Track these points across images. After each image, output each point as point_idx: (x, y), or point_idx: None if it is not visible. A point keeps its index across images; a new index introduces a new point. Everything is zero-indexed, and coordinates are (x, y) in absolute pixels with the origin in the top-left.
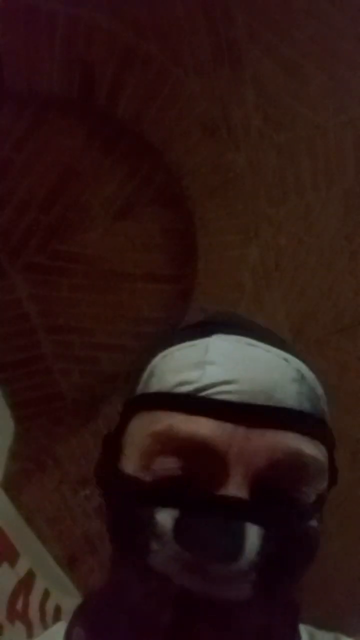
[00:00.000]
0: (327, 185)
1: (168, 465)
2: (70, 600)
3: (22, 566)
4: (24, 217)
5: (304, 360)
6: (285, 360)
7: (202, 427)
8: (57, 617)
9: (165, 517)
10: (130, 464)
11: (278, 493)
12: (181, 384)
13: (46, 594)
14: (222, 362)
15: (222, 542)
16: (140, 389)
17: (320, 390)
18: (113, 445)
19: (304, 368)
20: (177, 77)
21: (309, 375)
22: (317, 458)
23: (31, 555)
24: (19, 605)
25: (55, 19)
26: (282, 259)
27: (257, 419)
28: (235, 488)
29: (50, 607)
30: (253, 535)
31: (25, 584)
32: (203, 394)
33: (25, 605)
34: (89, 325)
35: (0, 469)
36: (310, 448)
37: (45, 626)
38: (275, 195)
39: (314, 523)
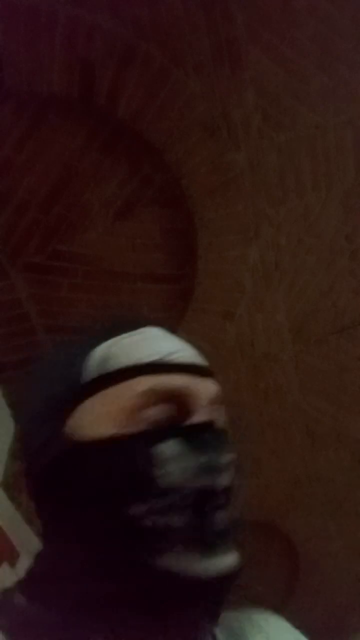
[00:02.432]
0: (327, 185)
1: (158, 411)
2: None
3: (22, 566)
4: (24, 217)
5: None
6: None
7: (178, 379)
8: None
9: (168, 445)
10: (105, 429)
11: (218, 419)
12: (148, 356)
13: None
14: (165, 339)
15: (218, 443)
16: (91, 374)
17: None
18: (53, 433)
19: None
20: (177, 77)
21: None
22: (221, 392)
23: (31, 555)
24: None
25: (55, 19)
26: (282, 259)
27: (202, 372)
28: (204, 416)
29: None
30: (227, 437)
31: None
32: (168, 359)
33: None
34: (89, 325)
35: (0, 469)
36: (221, 389)
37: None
38: (275, 195)
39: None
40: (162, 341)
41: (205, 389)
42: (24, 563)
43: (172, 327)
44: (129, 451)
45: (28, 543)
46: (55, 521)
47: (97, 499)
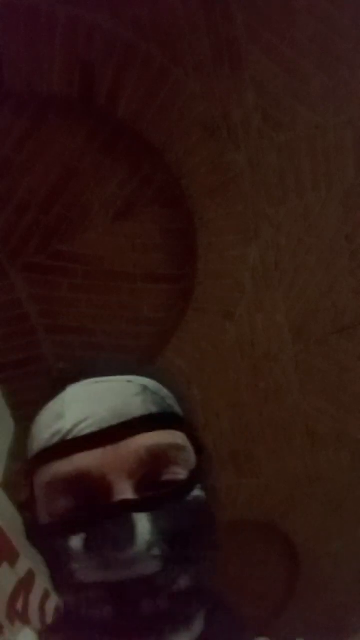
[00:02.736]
0: (327, 185)
1: (65, 503)
2: None
3: (22, 566)
4: (24, 217)
5: (150, 374)
6: (129, 381)
7: (77, 461)
8: None
9: (75, 541)
10: (42, 516)
11: (155, 482)
12: (52, 436)
13: (46, 594)
14: (75, 406)
15: (116, 536)
16: (30, 453)
17: (165, 392)
18: (30, 508)
19: (147, 381)
20: (177, 77)
21: (153, 384)
22: (172, 443)
23: (31, 556)
24: (19, 605)
25: (55, 19)
26: (282, 259)
27: (115, 436)
28: (121, 493)
29: (50, 607)
30: (142, 521)
31: (25, 584)
32: (70, 436)
33: (25, 605)
34: (89, 325)
35: (0, 469)
36: (164, 437)
37: (45, 626)
38: (275, 195)
39: (197, 492)
40: (72, 408)
41: (118, 458)
42: (24, 563)
43: (172, 327)
44: (44, 545)
45: (28, 543)
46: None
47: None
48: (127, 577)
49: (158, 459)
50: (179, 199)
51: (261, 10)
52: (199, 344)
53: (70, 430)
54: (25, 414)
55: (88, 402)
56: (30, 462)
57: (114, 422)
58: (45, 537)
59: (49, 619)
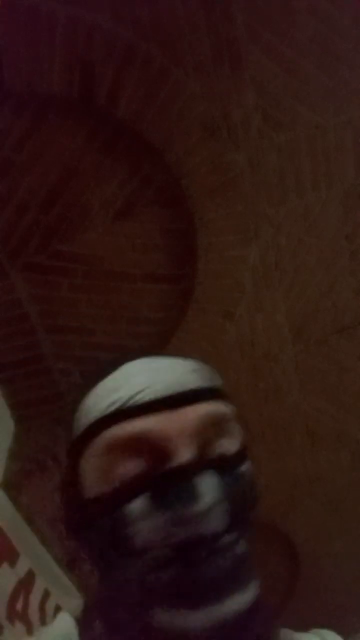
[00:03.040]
0: (327, 185)
1: (127, 465)
2: (70, 600)
3: (22, 566)
4: (24, 217)
5: (196, 360)
6: (184, 360)
7: (140, 424)
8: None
9: (141, 502)
10: (94, 489)
11: (211, 450)
12: (112, 404)
13: (46, 594)
14: (133, 379)
15: (184, 493)
16: (81, 427)
17: (212, 373)
18: (73, 485)
19: (197, 364)
20: (177, 77)
21: (203, 366)
22: (224, 412)
23: (31, 555)
24: (19, 605)
25: (55, 19)
26: (282, 259)
27: (174, 404)
28: (182, 457)
29: (50, 607)
30: (205, 481)
31: (25, 584)
32: (131, 402)
33: (25, 605)
34: (89, 325)
35: (0, 469)
36: (218, 408)
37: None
38: (275, 195)
39: (245, 467)
40: (132, 379)
41: (180, 423)
42: (24, 563)
43: (172, 327)
44: (102, 514)
45: (28, 543)
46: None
47: (97, 555)
48: (193, 534)
49: (213, 427)
50: (179, 199)
51: (261, 10)
52: (199, 344)
53: (129, 399)
54: (25, 414)
55: (146, 375)
56: (80, 436)
57: (172, 392)
58: (105, 505)
59: (49, 619)
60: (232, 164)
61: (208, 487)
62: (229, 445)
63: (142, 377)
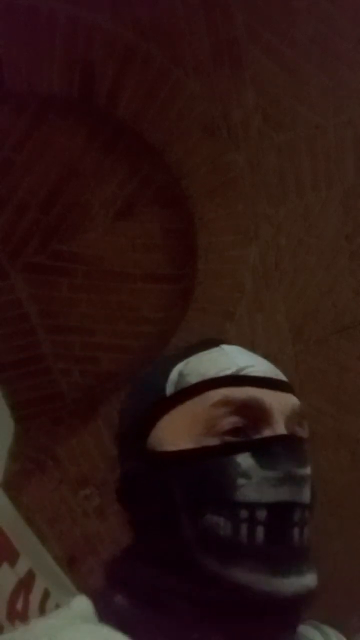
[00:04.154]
0: (327, 185)
1: (231, 422)
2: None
3: (22, 566)
4: (24, 217)
5: None
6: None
7: (251, 392)
8: None
9: (244, 458)
10: (182, 442)
11: (297, 433)
12: (222, 370)
13: (46, 594)
14: (240, 355)
15: (294, 455)
16: (169, 389)
17: None
18: (138, 446)
19: None
20: (177, 77)
21: None
22: (304, 409)
23: (31, 555)
24: (19, 605)
25: (55, 19)
26: (282, 259)
27: (279, 386)
28: (279, 429)
29: (50, 607)
30: (307, 450)
31: (25, 584)
32: (243, 373)
33: (25, 605)
34: (89, 325)
35: (0, 469)
36: (302, 405)
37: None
38: (275, 195)
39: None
40: (237, 356)
41: (279, 403)
42: (24, 563)
43: (172, 327)
44: (203, 464)
45: (28, 543)
46: (140, 524)
47: (174, 508)
48: (294, 498)
49: (298, 418)
50: (179, 199)
51: (261, 10)
52: None
53: (241, 369)
54: (25, 414)
55: (249, 356)
56: (178, 393)
57: (273, 376)
58: (209, 456)
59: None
60: (232, 164)
61: (306, 458)
62: (304, 431)
63: (245, 356)
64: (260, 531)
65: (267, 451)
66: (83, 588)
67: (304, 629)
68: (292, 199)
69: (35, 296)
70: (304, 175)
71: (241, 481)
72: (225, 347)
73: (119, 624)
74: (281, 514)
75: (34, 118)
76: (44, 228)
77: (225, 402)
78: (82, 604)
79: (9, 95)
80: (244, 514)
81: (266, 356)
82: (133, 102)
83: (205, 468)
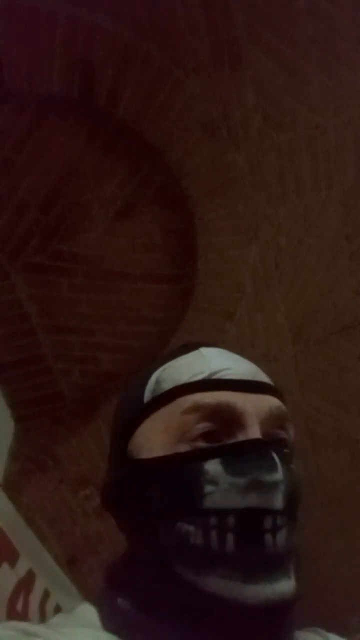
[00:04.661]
0: (327, 185)
1: (201, 428)
2: (70, 600)
3: (22, 566)
4: (24, 217)
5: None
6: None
7: (222, 396)
8: None
9: (212, 465)
10: (156, 449)
11: (276, 436)
12: (194, 375)
13: (46, 594)
14: (217, 357)
15: (263, 461)
16: (146, 397)
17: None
18: (120, 453)
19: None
20: (177, 77)
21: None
22: (286, 411)
23: (31, 555)
24: (19, 605)
25: (55, 19)
26: (282, 259)
27: (254, 389)
28: (253, 433)
29: (50, 607)
30: (279, 455)
31: (25, 584)
32: (216, 377)
33: (25, 605)
34: (89, 325)
35: (0, 469)
36: (283, 406)
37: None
38: (275, 195)
39: (293, 466)
40: (213, 360)
41: (253, 405)
42: (24, 563)
43: (172, 327)
44: (174, 471)
45: (28, 543)
46: (125, 531)
47: (151, 515)
48: (264, 504)
49: (278, 420)
50: (179, 199)
51: (261, 10)
52: None
53: (214, 373)
54: (25, 414)
55: (227, 358)
56: (153, 400)
57: (250, 378)
58: (176, 462)
59: (49, 619)
60: (232, 164)
61: (280, 461)
62: (287, 439)
63: (223, 359)
64: (230, 538)
65: (236, 457)
66: (83, 588)
67: (306, 636)
68: (292, 199)
69: (35, 296)
70: (304, 175)
71: (209, 488)
72: (203, 350)
73: (121, 629)
74: (251, 521)
75: (34, 118)
76: (44, 228)
77: (196, 408)
78: (85, 611)
79: (9, 95)
80: (213, 521)
81: (266, 356)
82: (133, 102)
83: (176, 475)
